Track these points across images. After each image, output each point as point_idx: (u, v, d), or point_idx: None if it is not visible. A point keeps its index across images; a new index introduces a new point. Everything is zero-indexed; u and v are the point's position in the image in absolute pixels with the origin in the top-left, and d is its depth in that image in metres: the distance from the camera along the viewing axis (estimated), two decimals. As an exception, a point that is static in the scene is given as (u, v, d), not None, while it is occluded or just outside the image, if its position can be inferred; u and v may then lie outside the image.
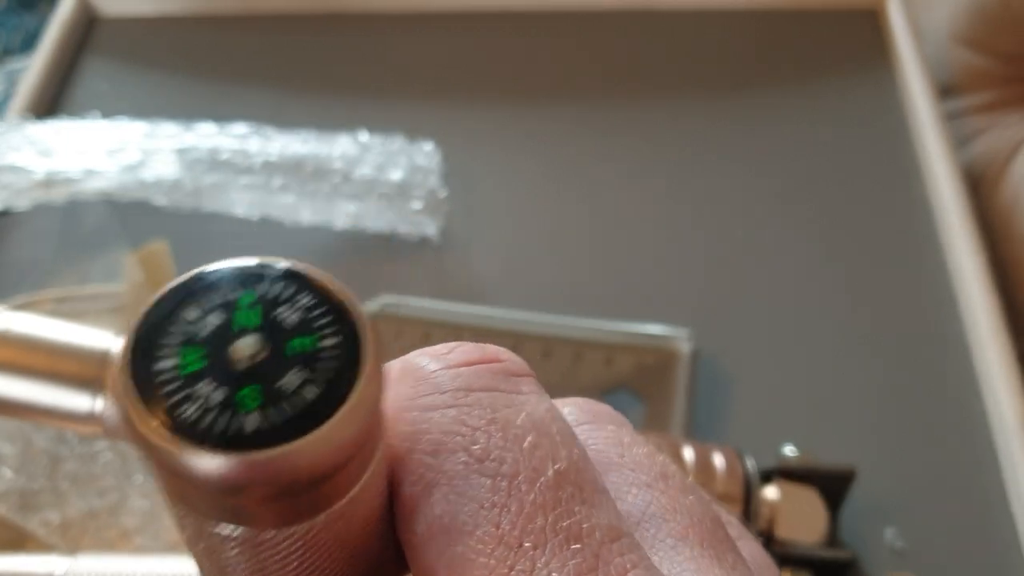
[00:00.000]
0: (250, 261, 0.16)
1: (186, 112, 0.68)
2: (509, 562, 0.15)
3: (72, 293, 0.60)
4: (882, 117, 0.72)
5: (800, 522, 0.50)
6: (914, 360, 0.60)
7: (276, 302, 0.16)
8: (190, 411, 0.14)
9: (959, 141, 0.74)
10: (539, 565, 0.15)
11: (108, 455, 0.54)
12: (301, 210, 0.64)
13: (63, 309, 0.59)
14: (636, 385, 0.58)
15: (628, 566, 0.16)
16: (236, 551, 0.16)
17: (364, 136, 0.66)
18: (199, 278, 0.16)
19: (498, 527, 0.16)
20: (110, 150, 0.63)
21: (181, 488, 0.15)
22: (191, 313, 0.16)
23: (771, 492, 0.50)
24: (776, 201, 0.68)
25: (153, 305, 0.16)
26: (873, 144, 0.71)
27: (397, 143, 0.66)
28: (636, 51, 0.77)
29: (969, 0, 0.75)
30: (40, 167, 0.63)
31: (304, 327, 0.15)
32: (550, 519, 0.16)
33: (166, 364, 0.15)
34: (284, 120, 0.68)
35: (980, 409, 0.58)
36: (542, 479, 0.16)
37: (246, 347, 0.15)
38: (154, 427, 0.14)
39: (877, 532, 0.53)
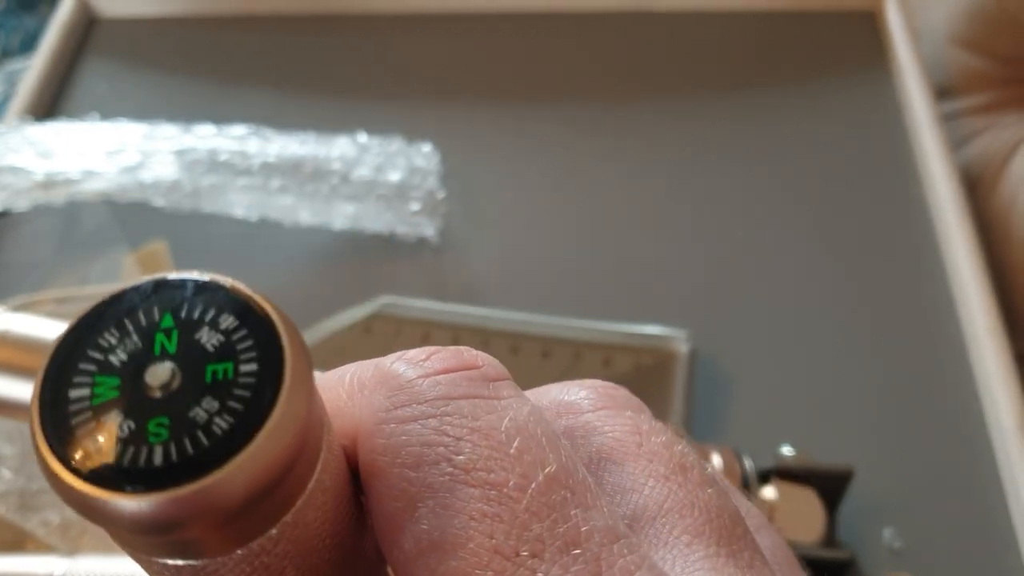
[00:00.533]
0: (172, 276, 0.15)
1: (185, 113, 0.68)
2: (508, 573, 0.15)
3: (72, 294, 0.60)
4: (880, 118, 0.72)
5: (798, 522, 0.50)
6: (911, 360, 0.60)
7: (197, 324, 0.15)
8: (98, 446, 0.14)
9: (956, 142, 0.75)
10: (540, 573, 0.15)
11: (107, 455, 0.54)
12: (300, 211, 0.64)
13: (63, 310, 0.59)
14: (634, 386, 0.58)
15: (632, 568, 0.15)
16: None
17: (363, 137, 0.66)
18: (119, 298, 0.15)
19: (492, 537, 0.15)
20: (109, 151, 0.64)
21: (108, 529, 0.14)
22: (109, 338, 0.15)
23: (769, 492, 0.50)
24: (774, 202, 0.68)
25: (71, 329, 0.15)
26: (871, 145, 0.71)
27: (395, 144, 0.66)
28: (634, 52, 0.78)
29: (966, 2, 0.75)
30: (40, 168, 0.63)
31: (223, 352, 0.14)
32: (546, 525, 0.15)
33: (78, 393, 0.14)
34: (283, 121, 0.68)
35: (977, 409, 0.58)
36: (533, 485, 0.16)
37: (159, 374, 0.14)
38: (65, 466, 0.13)
39: (875, 532, 0.53)
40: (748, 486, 0.49)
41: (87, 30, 0.81)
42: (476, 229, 0.67)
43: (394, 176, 0.64)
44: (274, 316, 0.15)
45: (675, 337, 0.58)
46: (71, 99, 0.76)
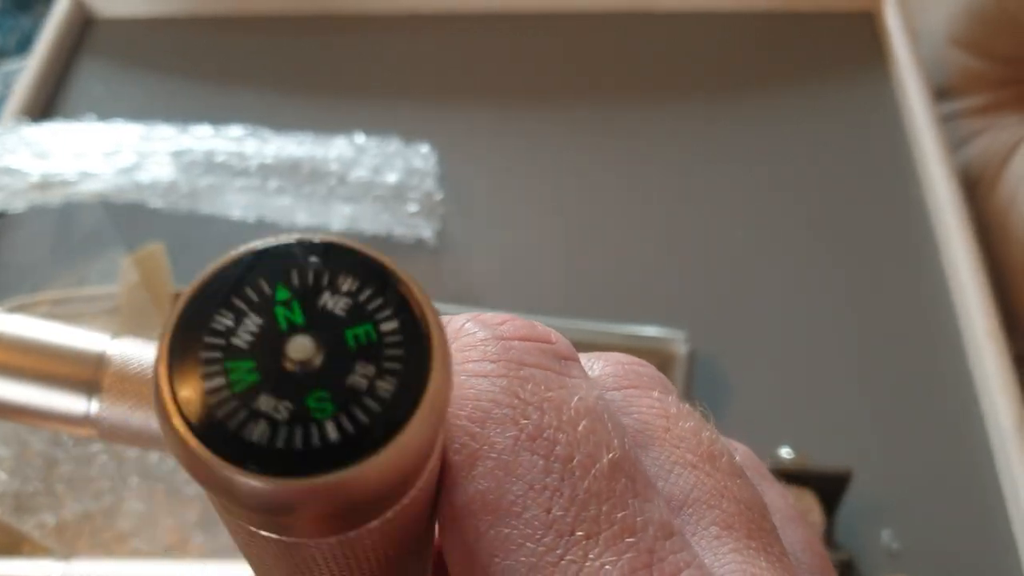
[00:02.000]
0: (271, 243, 0.14)
1: (182, 114, 0.68)
2: (559, 550, 0.15)
3: (68, 295, 0.60)
4: (879, 119, 0.72)
5: (797, 524, 0.50)
6: (910, 362, 0.60)
7: (316, 290, 0.14)
8: (257, 432, 0.13)
9: (955, 143, 0.74)
10: (591, 555, 0.14)
11: (103, 458, 0.54)
12: (297, 212, 0.64)
13: (59, 311, 0.59)
14: (633, 387, 0.58)
15: (681, 564, 0.15)
16: (277, 551, 0.15)
17: (360, 138, 0.66)
18: (219, 278, 0.14)
19: (549, 511, 0.15)
20: (106, 152, 0.63)
21: (236, 508, 0.13)
22: (224, 321, 0.14)
23: (768, 494, 0.50)
24: (773, 203, 0.68)
25: (179, 317, 0.14)
26: (870, 146, 0.71)
27: (393, 145, 0.66)
28: (633, 53, 0.77)
29: (965, 3, 0.75)
30: (36, 169, 0.62)
31: (357, 314, 0.14)
32: (604, 509, 0.15)
33: (214, 384, 0.13)
34: (280, 122, 0.68)
35: (976, 411, 0.58)
36: (597, 466, 0.15)
37: (301, 349, 0.13)
38: (220, 459, 0.12)
39: (873, 534, 0.53)
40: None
41: (83, 30, 0.81)
42: (474, 230, 0.67)
43: (391, 177, 0.64)
44: (391, 268, 0.14)
45: (674, 338, 0.58)
46: (67, 100, 0.76)
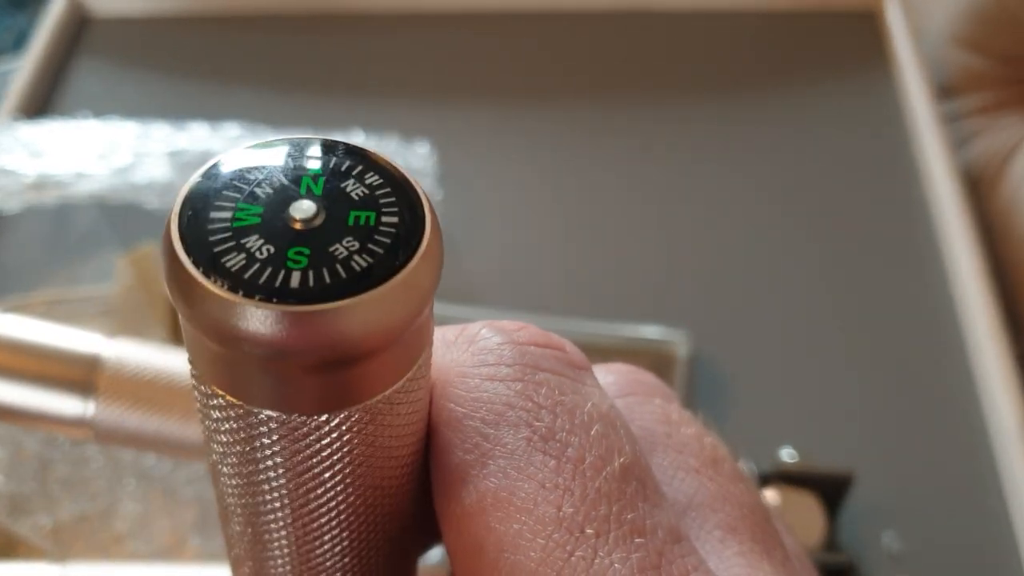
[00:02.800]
0: (326, 138, 0.16)
1: (178, 113, 0.68)
2: (569, 547, 0.15)
3: (63, 295, 0.60)
4: (880, 119, 0.72)
5: (798, 526, 0.50)
6: (912, 363, 0.60)
7: (344, 175, 0.15)
8: (233, 261, 0.14)
9: (957, 142, 0.74)
10: (601, 553, 0.15)
11: (99, 459, 0.54)
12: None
13: (54, 311, 0.59)
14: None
15: (689, 568, 0.15)
16: (276, 445, 0.15)
17: (359, 137, 0.66)
18: (271, 144, 0.16)
19: (559, 509, 0.15)
20: (101, 152, 0.63)
21: (220, 357, 0.15)
22: (256, 174, 0.15)
23: (769, 496, 0.50)
24: (774, 203, 0.68)
25: (219, 161, 0.15)
26: (871, 146, 0.71)
27: (392, 144, 0.66)
28: (633, 52, 0.77)
29: (967, 2, 0.75)
30: (31, 169, 0.62)
31: (367, 201, 0.15)
32: (615, 509, 0.15)
33: (219, 215, 0.15)
34: (278, 121, 0.68)
35: (978, 412, 0.57)
36: (608, 468, 0.16)
37: (303, 209, 0.15)
38: (198, 274, 0.14)
39: (875, 536, 0.53)
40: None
41: (79, 29, 0.80)
42: (473, 230, 0.67)
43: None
44: (410, 181, 0.16)
45: (674, 339, 0.58)
46: (63, 99, 0.76)
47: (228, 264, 0.14)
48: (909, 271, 0.64)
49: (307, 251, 0.14)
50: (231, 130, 0.66)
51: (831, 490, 0.51)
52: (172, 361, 0.41)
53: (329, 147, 0.16)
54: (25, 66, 0.76)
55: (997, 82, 0.76)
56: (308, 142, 0.16)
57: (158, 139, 0.64)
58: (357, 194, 0.15)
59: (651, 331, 0.59)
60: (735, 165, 0.70)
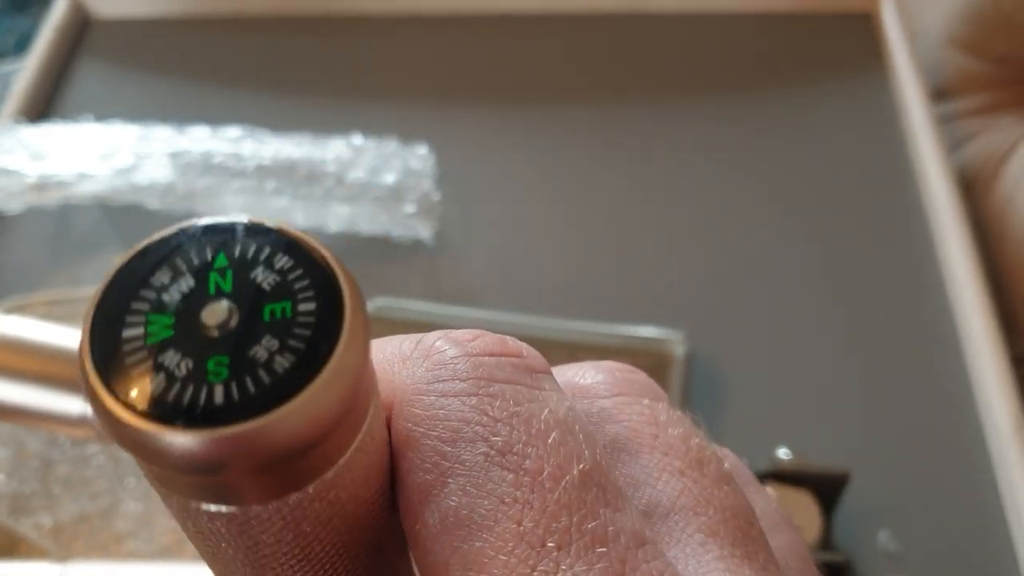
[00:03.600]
0: (223, 219, 0.15)
1: (179, 115, 0.68)
2: (531, 561, 0.15)
3: (65, 296, 0.60)
4: (876, 120, 0.72)
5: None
6: (908, 362, 0.60)
7: (252, 263, 0.15)
8: (153, 384, 0.13)
9: (953, 144, 0.74)
10: (563, 566, 0.15)
11: (100, 459, 0.54)
12: (294, 213, 0.64)
13: (55, 312, 0.59)
14: (630, 388, 0.58)
15: (655, 573, 0.15)
16: (226, 531, 0.15)
17: (358, 139, 0.66)
18: (169, 239, 0.15)
19: (520, 524, 0.15)
20: (103, 154, 0.63)
21: (155, 468, 0.14)
22: (161, 277, 0.14)
23: (765, 495, 0.50)
24: (770, 204, 0.68)
25: (120, 269, 0.15)
26: (867, 147, 0.71)
27: (391, 146, 0.66)
28: (631, 54, 0.77)
29: (962, 3, 0.75)
30: (33, 170, 0.62)
31: (279, 290, 0.14)
32: (575, 520, 0.15)
33: (132, 333, 0.14)
34: (278, 123, 0.68)
35: (974, 412, 0.58)
36: (567, 478, 0.16)
37: (216, 313, 0.14)
38: (117, 402, 0.13)
39: (871, 535, 0.53)
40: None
41: (81, 31, 0.81)
42: (472, 231, 0.67)
43: (389, 178, 0.64)
44: (329, 258, 0.15)
45: (671, 339, 0.58)
46: (65, 100, 0.76)
47: (148, 389, 0.13)
48: (904, 271, 0.64)
49: (226, 360, 0.13)
50: (231, 132, 0.66)
51: (827, 489, 0.51)
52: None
53: (231, 231, 0.15)
54: (27, 68, 0.76)
55: (992, 84, 0.76)
56: (211, 228, 0.15)
57: (159, 140, 0.64)
58: (269, 283, 0.14)
59: (648, 331, 0.59)
60: (732, 166, 0.70)
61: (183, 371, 0.13)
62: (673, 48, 0.78)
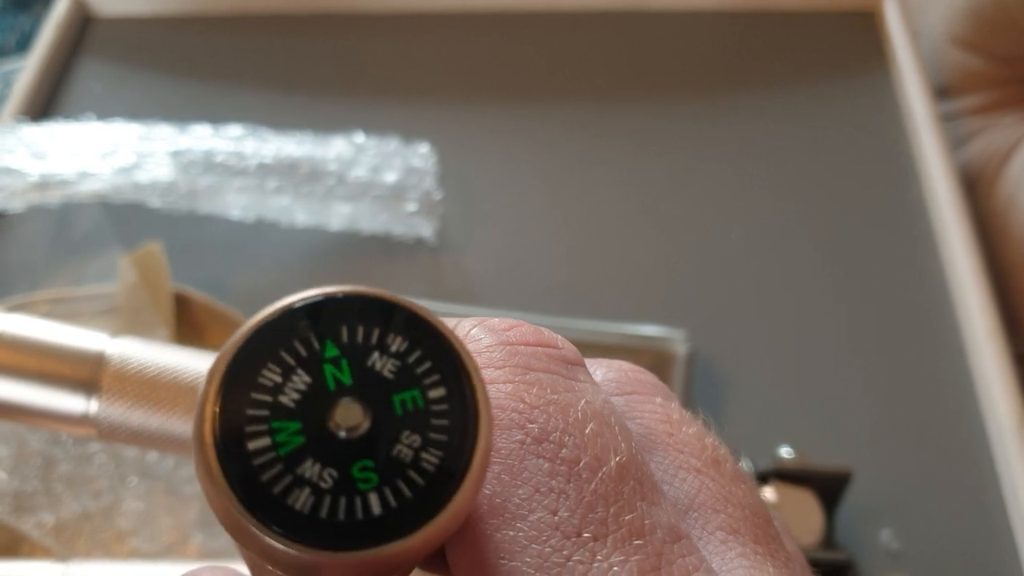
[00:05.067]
0: (314, 295, 0.14)
1: (181, 114, 0.68)
2: (566, 551, 0.14)
3: (67, 295, 0.60)
4: (879, 118, 0.72)
5: (796, 524, 0.50)
6: (910, 361, 0.60)
7: (365, 349, 0.13)
8: (301, 500, 0.12)
9: (955, 142, 0.74)
10: (599, 557, 0.14)
11: (102, 457, 0.54)
12: (296, 212, 0.64)
13: (58, 311, 0.59)
14: (632, 387, 0.58)
15: (690, 568, 0.15)
16: None
17: (359, 138, 0.66)
18: (267, 329, 0.13)
19: (555, 513, 0.15)
20: (104, 152, 0.63)
21: (268, 564, 0.13)
22: (272, 376, 0.13)
23: (767, 494, 0.50)
24: (772, 202, 0.68)
25: (227, 370, 0.13)
26: (869, 145, 0.71)
27: (392, 145, 0.66)
28: (632, 52, 0.77)
29: (965, 2, 0.75)
30: (34, 169, 0.62)
31: (405, 379, 0.13)
32: (612, 511, 0.15)
33: (259, 444, 0.13)
34: (279, 122, 0.68)
35: (976, 410, 0.58)
36: (604, 469, 0.15)
37: (349, 415, 0.13)
38: (269, 532, 0.12)
39: (873, 534, 0.53)
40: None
41: (83, 29, 0.81)
42: (473, 229, 0.67)
43: (391, 176, 0.64)
44: (439, 326, 0.14)
45: (673, 338, 0.58)
46: (66, 99, 0.76)
47: (295, 505, 0.12)
48: (907, 270, 0.64)
49: (371, 464, 0.12)
50: (233, 130, 0.66)
51: (829, 488, 0.51)
52: (175, 359, 0.42)
53: (327, 313, 0.14)
54: (29, 67, 0.76)
55: (995, 82, 0.76)
56: (307, 310, 0.14)
57: (161, 139, 0.64)
58: (390, 370, 0.13)
59: (650, 330, 0.59)
60: (733, 164, 0.70)
61: (329, 482, 0.12)
62: (676, 46, 0.77)
